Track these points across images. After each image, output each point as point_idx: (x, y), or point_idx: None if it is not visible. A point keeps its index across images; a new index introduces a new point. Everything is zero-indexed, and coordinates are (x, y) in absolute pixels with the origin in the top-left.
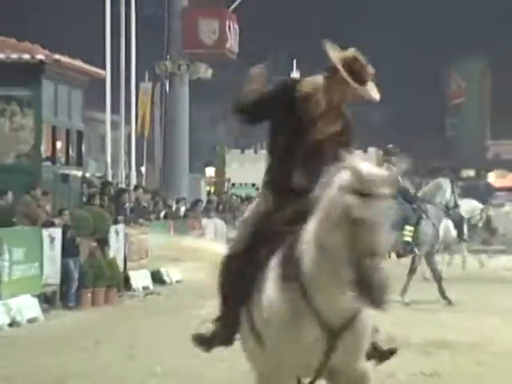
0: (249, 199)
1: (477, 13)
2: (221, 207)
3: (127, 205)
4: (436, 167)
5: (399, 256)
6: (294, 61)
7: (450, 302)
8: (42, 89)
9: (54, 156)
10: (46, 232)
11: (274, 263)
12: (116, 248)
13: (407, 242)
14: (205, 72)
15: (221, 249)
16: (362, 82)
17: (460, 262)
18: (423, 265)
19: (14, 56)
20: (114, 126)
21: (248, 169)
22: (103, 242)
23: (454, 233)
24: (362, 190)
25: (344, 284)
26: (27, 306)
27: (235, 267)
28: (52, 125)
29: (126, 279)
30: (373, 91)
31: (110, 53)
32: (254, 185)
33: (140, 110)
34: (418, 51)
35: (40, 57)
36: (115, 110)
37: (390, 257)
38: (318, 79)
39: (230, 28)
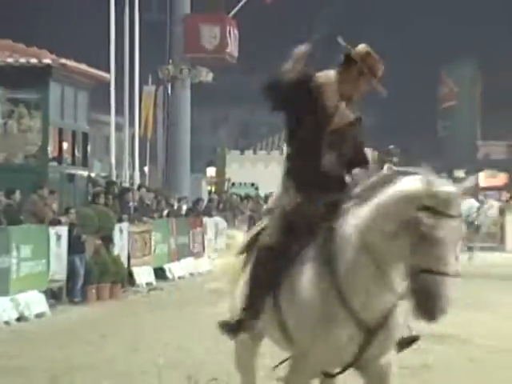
0: (248, 198)
1: (468, 18)
2: (221, 206)
3: (131, 204)
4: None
5: None
6: None
7: None
8: (49, 92)
9: (60, 156)
10: (52, 230)
11: (306, 258)
12: (120, 245)
13: None
14: (206, 76)
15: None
16: (374, 75)
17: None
18: None
19: (23, 60)
20: (118, 127)
21: (247, 169)
22: (108, 240)
23: None
24: (437, 207)
25: (384, 286)
26: (35, 302)
27: (266, 259)
28: (58, 127)
29: (130, 275)
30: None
31: (115, 57)
32: (253, 184)
33: (143, 113)
34: (411, 55)
35: (47, 61)
36: (119, 112)
37: None
38: (330, 73)
39: (230, 33)
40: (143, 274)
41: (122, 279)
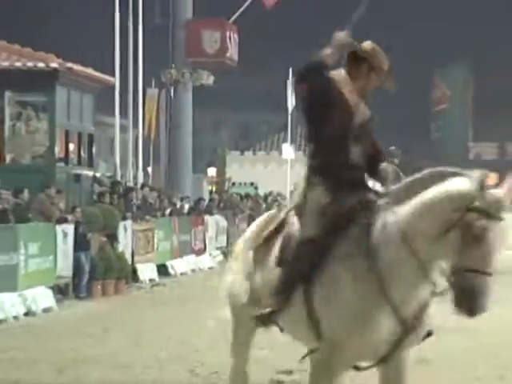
0: (248, 197)
1: (461, 24)
2: (222, 205)
3: (135, 202)
4: (422, 167)
5: None
6: (290, 68)
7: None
8: (56, 95)
9: (66, 157)
10: (59, 228)
11: (342, 253)
12: (124, 243)
13: None
14: (207, 79)
15: None
16: (383, 70)
17: None
18: None
19: (30, 64)
20: (123, 129)
21: (247, 169)
22: (112, 237)
23: None
24: (488, 210)
25: (422, 282)
26: (42, 297)
27: (306, 253)
28: (65, 128)
29: (134, 272)
30: None
31: (119, 61)
32: (252, 184)
33: (147, 115)
34: (406, 59)
35: (54, 65)
36: (124, 114)
37: None
38: (341, 71)
39: (230, 38)
40: (146, 271)
41: (126, 275)
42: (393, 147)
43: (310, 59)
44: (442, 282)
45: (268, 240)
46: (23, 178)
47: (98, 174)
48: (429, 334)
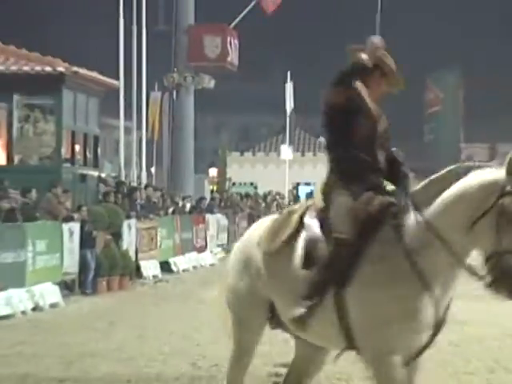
0: (248, 196)
1: (453, 29)
2: (223, 204)
3: (138, 201)
4: (415, 168)
5: None
6: (289, 72)
7: None
8: (63, 98)
9: (73, 158)
10: (65, 226)
11: (376, 255)
12: (128, 240)
13: None
14: (208, 83)
15: None
16: (394, 75)
17: None
18: None
19: (38, 68)
20: (127, 131)
21: (247, 169)
22: (117, 235)
23: None
24: None
25: (457, 274)
26: (49, 293)
27: (342, 255)
28: (71, 130)
29: (138, 268)
30: None
31: (123, 65)
32: (252, 183)
33: (150, 117)
34: (399, 63)
35: (61, 69)
36: (128, 116)
37: None
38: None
39: (231, 43)
40: (150, 267)
41: (130, 272)
42: (394, 148)
43: (352, 63)
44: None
45: (285, 243)
46: (31, 178)
47: (103, 175)
48: None
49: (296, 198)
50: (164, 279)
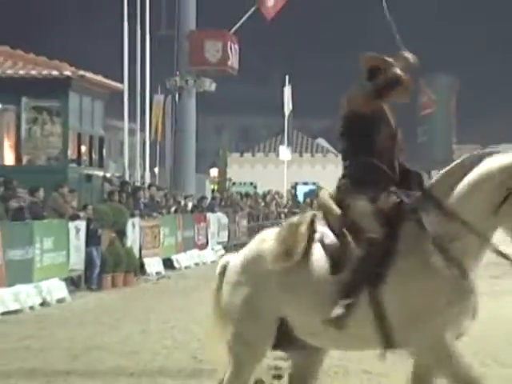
0: (248, 196)
1: (446, 33)
2: (223, 203)
3: (142, 200)
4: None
5: None
6: (287, 76)
7: None
8: (69, 100)
9: (79, 158)
10: (72, 224)
11: (405, 251)
12: (132, 238)
13: None
14: (209, 86)
15: None
16: (403, 83)
17: None
18: None
19: (45, 72)
20: (131, 132)
21: (247, 169)
22: (121, 233)
23: None
24: None
25: (482, 256)
26: (56, 289)
27: (375, 255)
28: (77, 132)
29: (142, 265)
30: None
31: (128, 69)
32: (251, 183)
33: (153, 119)
34: None
35: (67, 73)
36: (132, 118)
37: None
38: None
39: (231, 48)
40: (153, 264)
41: (134, 268)
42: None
43: (388, 76)
44: None
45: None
46: (38, 178)
47: (108, 175)
48: None
49: (294, 197)
50: (167, 275)
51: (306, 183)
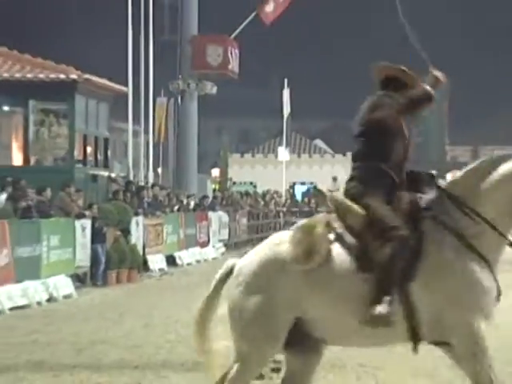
0: (247, 195)
1: (440, 38)
2: (224, 202)
3: (146, 200)
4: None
5: None
6: (286, 80)
7: None
8: (75, 103)
9: (84, 159)
10: (78, 222)
11: (433, 246)
12: (136, 236)
13: None
14: (211, 89)
15: None
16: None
17: None
18: None
19: (52, 76)
20: (135, 134)
21: (247, 170)
22: (126, 231)
23: None
24: None
25: (502, 251)
26: (62, 285)
27: (404, 251)
28: (83, 133)
29: (145, 262)
30: None
31: (132, 73)
32: (251, 183)
33: (157, 121)
34: None
35: (73, 76)
36: (136, 120)
37: None
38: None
39: (231, 52)
40: (156, 261)
41: (138, 265)
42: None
43: (421, 93)
44: None
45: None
46: (46, 178)
47: (112, 175)
48: None
49: (292, 197)
50: (169, 272)
51: (303, 183)
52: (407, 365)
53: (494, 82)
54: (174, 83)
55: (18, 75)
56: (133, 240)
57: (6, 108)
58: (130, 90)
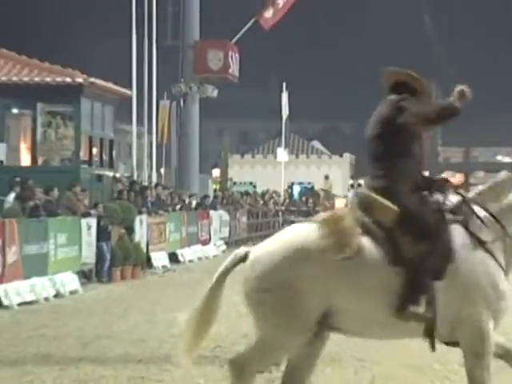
0: (247, 194)
1: (432, 39)
2: (224, 201)
3: (149, 199)
4: None
5: None
6: (284, 83)
7: None
8: (81, 106)
9: (90, 160)
10: (84, 221)
11: (462, 249)
12: (140, 234)
13: None
14: (212, 92)
15: None
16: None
17: None
18: None
19: (59, 79)
20: (139, 135)
21: (247, 170)
22: (130, 229)
23: None
24: None
25: None
26: (69, 281)
27: (428, 249)
28: (89, 135)
29: (149, 259)
30: None
31: (136, 76)
32: (251, 183)
33: (160, 123)
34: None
35: (79, 80)
36: (140, 122)
37: None
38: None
39: (232, 57)
40: (159, 258)
41: (141, 262)
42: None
43: (451, 106)
44: None
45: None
46: (53, 178)
47: (117, 175)
48: None
49: (290, 196)
50: (172, 269)
51: (301, 183)
52: (404, 359)
53: (487, 84)
54: (177, 86)
55: (26, 79)
56: (137, 238)
57: (15, 110)
58: (134, 93)
